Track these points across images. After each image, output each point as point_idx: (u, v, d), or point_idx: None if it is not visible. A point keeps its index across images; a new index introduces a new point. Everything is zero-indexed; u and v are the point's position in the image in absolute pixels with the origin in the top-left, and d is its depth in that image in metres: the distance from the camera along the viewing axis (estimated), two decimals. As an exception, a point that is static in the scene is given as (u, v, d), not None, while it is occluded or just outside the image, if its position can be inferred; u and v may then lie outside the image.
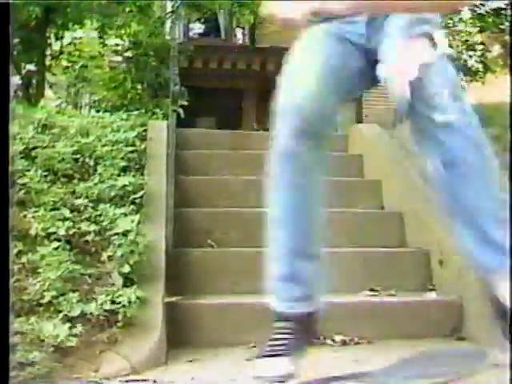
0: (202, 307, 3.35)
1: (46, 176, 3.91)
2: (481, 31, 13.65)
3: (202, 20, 16.55)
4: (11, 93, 9.61)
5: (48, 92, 11.81)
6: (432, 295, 3.58)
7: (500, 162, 3.99)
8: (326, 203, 4.31)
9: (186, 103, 5.08)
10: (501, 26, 12.99)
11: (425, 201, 4.25)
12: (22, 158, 4.05)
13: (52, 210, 3.55)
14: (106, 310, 2.87)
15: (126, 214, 3.52)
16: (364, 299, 3.51)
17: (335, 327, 3.27)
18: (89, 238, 3.40)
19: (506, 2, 12.95)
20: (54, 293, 2.89)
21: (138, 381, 2.58)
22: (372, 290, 3.59)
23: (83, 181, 3.99)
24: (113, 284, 3.09)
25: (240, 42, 16.85)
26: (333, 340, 3.22)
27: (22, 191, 3.72)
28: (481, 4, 13.03)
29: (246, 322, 3.30)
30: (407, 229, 4.26)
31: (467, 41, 14.14)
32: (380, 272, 3.80)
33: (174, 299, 3.34)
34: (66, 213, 3.51)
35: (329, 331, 3.25)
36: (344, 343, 3.22)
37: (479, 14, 13.21)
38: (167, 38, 11.80)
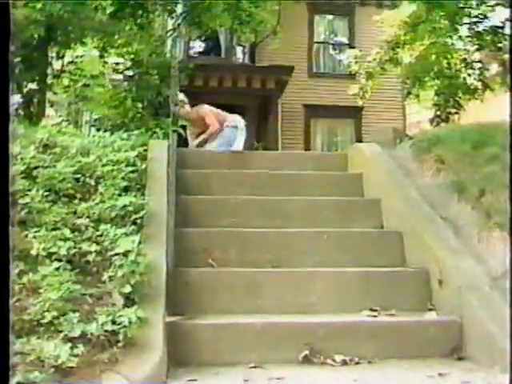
0: (203, 327, 3.36)
1: (47, 196, 3.92)
2: (479, 49, 13.70)
3: (203, 38, 16.65)
4: (12, 111, 9.65)
5: (49, 110, 11.85)
6: (432, 315, 3.58)
7: (499, 181, 4.04)
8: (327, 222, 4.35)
9: (187, 123, 5.09)
10: (498, 45, 13.04)
11: (424, 220, 4.26)
12: (23, 177, 4.06)
13: (53, 229, 3.56)
14: (106, 330, 2.87)
15: (126, 234, 3.53)
16: (364, 319, 3.51)
17: (336, 347, 3.29)
18: (90, 257, 3.41)
19: (502, 20, 13.04)
20: (54, 313, 2.89)
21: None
22: (372, 309, 3.60)
23: (84, 201, 4.01)
24: (114, 304, 3.09)
25: (240, 60, 16.94)
26: (333, 360, 3.23)
27: (24, 211, 3.73)
28: (478, 22, 13.10)
29: (245, 341, 3.30)
30: (407, 248, 4.26)
31: (465, 59, 14.19)
32: (380, 291, 3.80)
33: (174, 319, 3.34)
34: (67, 233, 3.53)
35: (329, 351, 3.26)
36: (344, 363, 3.22)
37: (477, 31, 13.27)
38: (168, 56, 11.87)
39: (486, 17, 12.97)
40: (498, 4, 12.77)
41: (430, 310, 3.67)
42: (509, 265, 3.54)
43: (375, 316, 3.55)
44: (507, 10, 12.67)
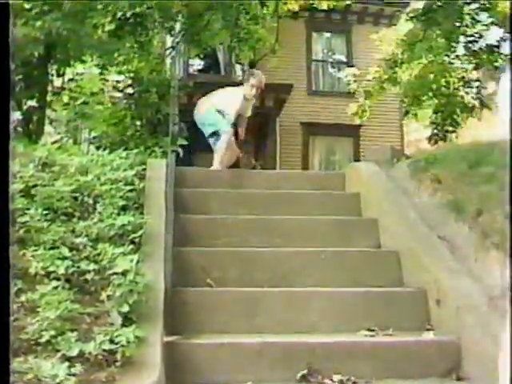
0: (200, 346, 3.36)
1: (45, 214, 3.93)
2: (476, 68, 13.80)
3: (202, 56, 16.73)
4: (12, 128, 9.67)
5: (48, 127, 11.86)
6: (429, 335, 3.59)
7: (496, 200, 4.05)
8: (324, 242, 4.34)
9: (185, 142, 5.12)
10: (495, 63, 13.14)
11: (421, 239, 4.27)
12: (22, 196, 4.08)
13: (51, 248, 3.57)
14: (104, 350, 2.87)
15: (125, 253, 3.54)
16: (362, 339, 3.52)
17: (333, 367, 3.29)
18: (88, 276, 3.42)
19: (497, 39, 13.15)
20: (52, 332, 2.89)
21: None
22: (369, 329, 3.60)
23: (83, 219, 4.02)
24: (112, 323, 3.09)
25: (239, 78, 16.99)
26: (331, 379, 3.23)
27: (22, 229, 3.74)
28: (474, 41, 13.21)
29: (243, 360, 3.30)
30: (404, 268, 4.27)
31: (463, 77, 14.28)
32: (377, 311, 3.80)
33: (172, 338, 3.35)
34: (66, 251, 3.53)
35: (327, 371, 3.26)
36: (342, 383, 3.22)
37: (474, 50, 13.37)
38: (167, 74, 11.92)
39: (481, 36, 13.08)
40: (492, 23, 12.89)
41: (428, 330, 3.67)
42: (506, 284, 3.55)
43: (373, 336, 3.55)
44: (502, 30, 12.79)
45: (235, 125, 6.93)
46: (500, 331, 3.22)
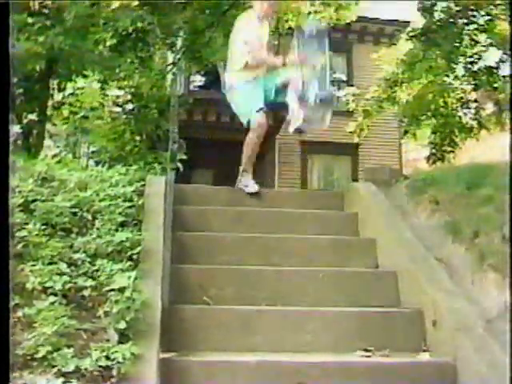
0: (197, 364, 3.35)
1: (44, 229, 3.93)
2: (475, 89, 13.87)
3: (203, 72, 16.77)
4: (11, 142, 9.69)
5: (47, 141, 11.89)
6: (425, 356, 3.59)
7: (493, 222, 4.07)
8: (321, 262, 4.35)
9: (184, 157, 5.12)
10: (494, 85, 13.21)
11: (419, 260, 4.28)
12: (20, 211, 4.08)
13: (49, 263, 3.57)
14: (100, 366, 2.87)
15: (123, 270, 3.54)
16: (358, 359, 3.51)
17: (329, 387, 3.29)
18: (85, 293, 3.42)
19: (496, 60, 13.23)
20: (48, 348, 2.88)
21: None
22: (366, 349, 3.60)
23: (81, 235, 4.02)
24: (108, 340, 3.09)
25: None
26: (326, 399, 3.22)
27: (21, 244, 3.74)
28: (473, 62, 13.29)
29: (239, 379, 3.30)
30: (401, 288, 4.27)
31: (462, 98, 14.34)
32: (373, 332, 3.80)
33: (168, 355, 3.34)
34: (63, 267, 3.53)
35: (322, 391, 3.26)
36: (337, 403, 3.22)
37: (473, 71, 13.44)
38: (168, 90, 11.98)
39: (480, 57, 13.16)
40: (491, 45, 12.97)
41: (424, 351, 3.67)
42: (503, 306, 3.56)
43: (369, 356, 3.55)
44: (500, 52, 12.89)
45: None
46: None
